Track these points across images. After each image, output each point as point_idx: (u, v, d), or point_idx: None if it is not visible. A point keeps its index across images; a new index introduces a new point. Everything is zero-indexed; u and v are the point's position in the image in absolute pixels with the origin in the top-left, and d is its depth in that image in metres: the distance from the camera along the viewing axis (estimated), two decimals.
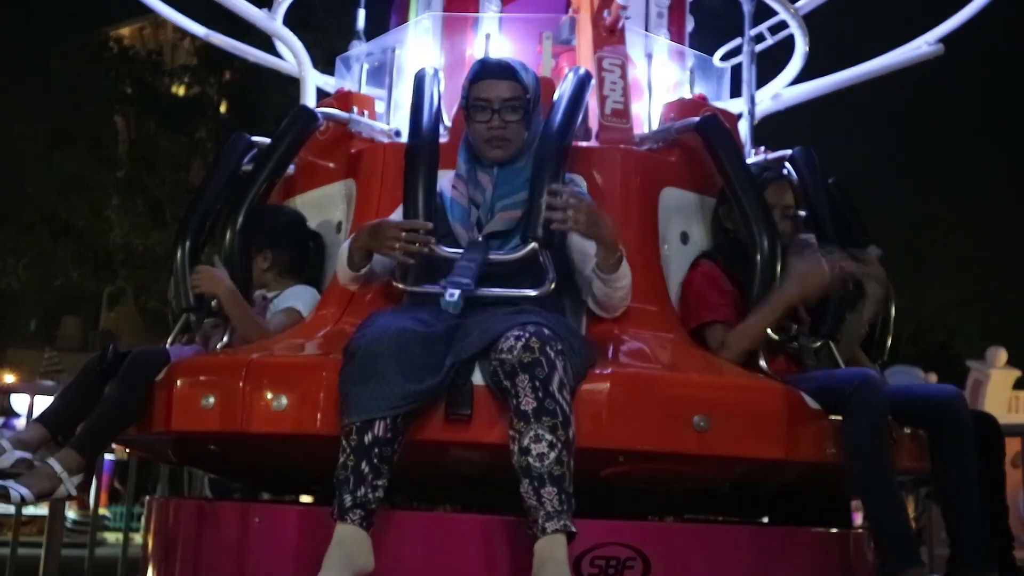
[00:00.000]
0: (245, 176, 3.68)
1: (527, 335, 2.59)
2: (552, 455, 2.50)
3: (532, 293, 2.94)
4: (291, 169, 3.83)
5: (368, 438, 2.57)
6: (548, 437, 2.50)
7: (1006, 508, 3.35)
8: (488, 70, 3.19)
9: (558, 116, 3.24)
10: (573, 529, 2.48)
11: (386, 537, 2.79)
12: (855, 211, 3.93)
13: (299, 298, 3.56)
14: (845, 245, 3.47)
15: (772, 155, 3.80)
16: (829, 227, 3.51)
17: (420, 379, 2.62)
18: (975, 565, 2.98)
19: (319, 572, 2.47)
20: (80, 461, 3.08)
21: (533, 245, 2.99)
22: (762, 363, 3.16)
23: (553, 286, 2.97)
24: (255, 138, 3.91)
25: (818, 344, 3.30)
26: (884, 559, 2.84)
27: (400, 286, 3.03)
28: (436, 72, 3.47)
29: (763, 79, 4.50)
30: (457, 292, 2.84)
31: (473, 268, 2.92)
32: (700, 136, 3.50)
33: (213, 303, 3.44)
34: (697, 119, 3.54)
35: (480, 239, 3.06)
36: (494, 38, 3.83)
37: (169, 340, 3.55)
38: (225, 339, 3.44)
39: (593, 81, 3.50)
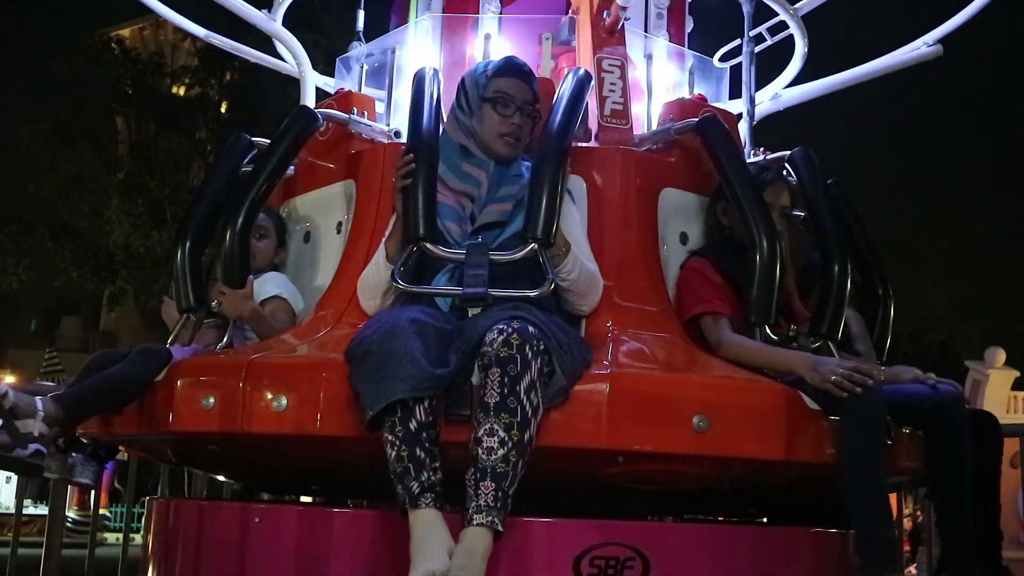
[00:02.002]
0: (245, 177, 3.68)
1: (509, 330, 2.60)
2: (500, 452, 2.51)
3: (532, 294, 2.94)
4: (291, 170, 3.83)
5: (413, 425, 2.56)
6: (501, 434, 2.52)
7: (999, 507, 3.36)
8: (516, 69, 3.24)
9: (558, 116, 3.24)
10: (500, 528, 2.48)
11: (386, 537, 2.80)
12: (854, 212, 3.94)
13: (277, 286, 3.64)
14: (844, 247, 3.48)
15: (771, 156, 3.81)
16: (828, 228, 3.51)
17: (437, 366, 2.62)
18: (963, 568, 2.99)
19: (421, 563, 2.41)
20: (57, 414, 3.05)
21: (533, 245, 2.99)
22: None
23: (553, 286, 2.98)
24: (255, 139, 3.91)
25: (816, 344, 3.30)
26: (865, 561, 2.85)
27: (400, 285, 3.03)
28: (436, 72, 3.47)
29: (763, 80, 4.50)
30: (478, 309, 2.88)
31: (484, 276, 2.93)
32: (699, 136, 3.50)
33: (214, 305, 3.48)
34: (696, 119, 3.55)
35: (480, 239, 3.06)
36: (494, 39, 3.83)
37: (169, 340, 3.56)
38: (225, 339, 3.45)
39: (592, 82, 3.50)
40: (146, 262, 18.55)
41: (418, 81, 3.41)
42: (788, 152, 3.72)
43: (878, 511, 2.86)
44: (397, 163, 3.13)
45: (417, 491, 2.52)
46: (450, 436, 2.72)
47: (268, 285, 3.63)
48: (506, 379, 2.55)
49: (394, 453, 2.56)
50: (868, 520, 2.85)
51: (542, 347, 2.63)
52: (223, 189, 3.72)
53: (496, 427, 2.52)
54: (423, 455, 2.55)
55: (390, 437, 2.57)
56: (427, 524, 2.48)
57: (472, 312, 2.93)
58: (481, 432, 2.54)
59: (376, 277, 3.15)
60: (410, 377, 2.56)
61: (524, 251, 2.99)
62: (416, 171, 3.07)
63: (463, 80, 3.27)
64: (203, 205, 3.72)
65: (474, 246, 3.02)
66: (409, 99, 3.41)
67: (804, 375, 3.00)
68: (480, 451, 2.52)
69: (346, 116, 3.74)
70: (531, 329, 2.63)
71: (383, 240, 3.17)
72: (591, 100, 3.54)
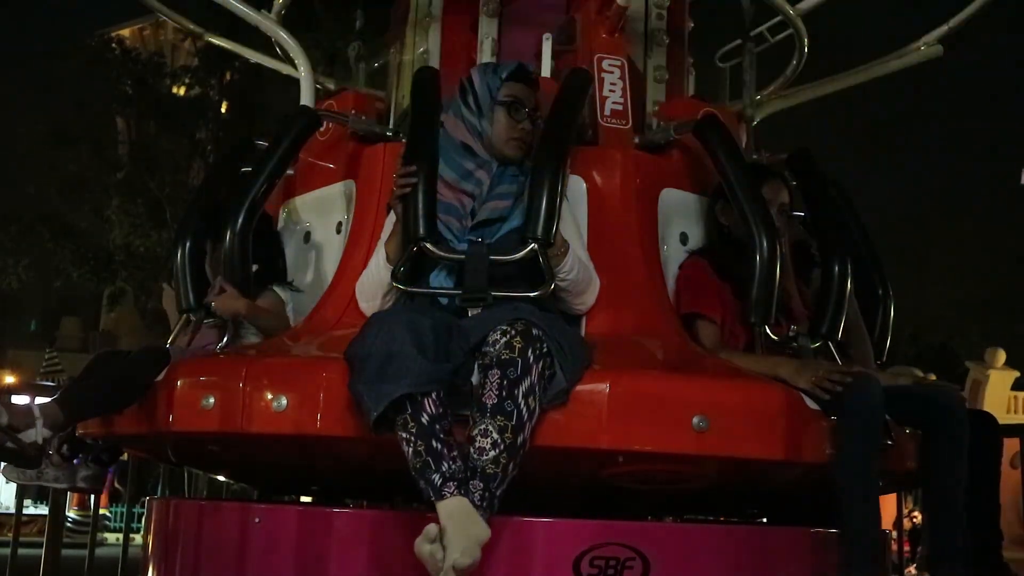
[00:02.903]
0: (245, 177, 3.68)
1: (512, 332, 2.60)
2: (492, 453, 2.51)
3: (533, 294, 2.95)
4: (291, 170, 3.83)
5: (425, 418, 2.55)
6: (495, 436, 2.52)
7: (999, 507, 3.36)
8: (527, 76, 3.26)
9: (558, 117, 3.25)
10: (488, 531, 2.49)
11: (385, 537, 2.80)
12: (854, 212, 3.94)
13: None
14: (844, 249, 3.48)
15: (771, 156, 3.81)
16: (828, 229, 3.51)
17: (438, 362, 2.62)
18: (946, 567, 3.00)
19: (450, 554, 2.38)
20: (58, 416, 3.05)
21: (533, 246, 2.99)
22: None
23: (553, 286, 2.98)
24: (256, 141, 3.91)
25: (817, 344, 3.30)
26: (847, 562, 2.85)
27: (400, 286, 3.03)
28: (436, 72, 3.47)
29: (763, 80, 4.51)
30: (478, 310, 2.89)
31: (484, 277, 2.94)
32: (699, 136, 3.50)
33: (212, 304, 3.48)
34: (696, 119, 3.55)
35: (479, 236, 3.07)
36: (494, 39, 3.83)
37: (169, 340, 3.56)
38: (225, 339, 3.46)
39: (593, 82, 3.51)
40: (146, 262, 18.55)
41: (418, 82, 3.41)
42: (788, 153, 3.73)
43: (866, 512, 2.85)
44: (397, 168, 3.13)
45: (439, 482, 2.50)
46: None
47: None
48: (505, 382, 2.56)
49: (411, 450, 2.55)
50: (855, 520, 2.85)
51: (545, 349, 2.63)
52: (223, 189, 3.72)
53: (490, 428, 2.53)
54: (440, 446, 2.54)
55: (404, 435, 2.56)
56: (453, 513, 2.47)
57: (472, 312, 2.93)
58: (475, 432, 2.54)
59: (375, 279, 3.15)
60: (412, 374, 2.56)
61: (524, 251, 3.00)
62: (416, 172, 3.07)
63: (470, 79, 3.26)
64: (203, 205, 3.72)
65: (474, 246, 3.02)
66: (409, 99, 3.41)
67: (789, 380, 3.02)
68: (472, 450, 2.53)
69: (346, 116, 3.74)
70: (534, 331, 2.63)
71: (380, 242, 3.17)
72: (591, 100, 3.54)
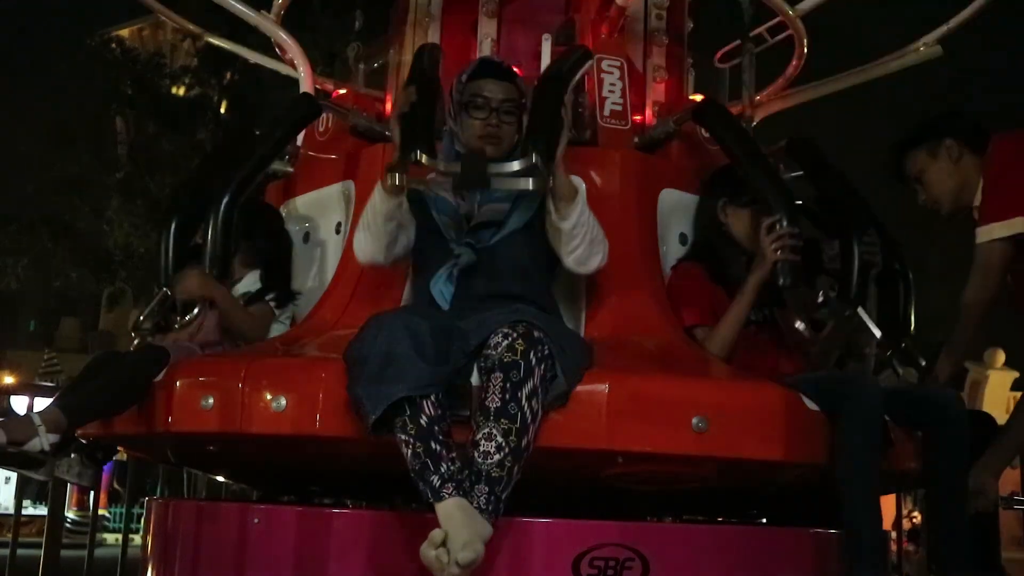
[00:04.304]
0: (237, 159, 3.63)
1: (515, 335, 2.60)
2: (496, 457, 2.51)
3: (529, 189, 2.90)
4: (290, 170, 3.83)
5: (424, 420, 2.55)
6: (499, 439, 2.52)
7: (998, 508, 3.37)
8: (489, 69, 3.22)
9: (562, 64, 3.27)
10: (490, 529, 2.49)
11: (385, 537, 2.80)
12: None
13: (254, 284, 3.63)
14: (862, 218, 3.47)
15: (771, 148, 3.80)
16: (842, 204, 3.49)
17: (436, 364, 2.62)
18: (954, 568, 3.00)
19: (451, 551, 2.37)
20: (61, 420, 3.03)
21: (534, 156, 2.90)
22: (799, 324, 3.20)
23: (551, 181, 2.94)
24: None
25: (848, 314, 3.27)
26: (852, 562, 2.84)
27: (404, 179, 2.97)
28: (435, 47, 3.48)
29: (763, 80, 4.51)
30: (478, 313, 2.85)
31: (483, 169, 2.91)
32: (699, 121, 3.49)
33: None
34: (694, 105, 3.54)
35: (477, 237, 3.07)
36: (493, 39, 3.83)
37: (143, 314, 3.52)
38: (196, 311, 3.42)
39: (591, 62, 3.50)
40: (146, 262, 18.52)
41: (419, 49, 3.42)
42: (787, 140, 3.72)
43: (868, 512, 2.86)
44: (399, 95, 3.12)
45: (438, 484, 2.50)
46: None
47: (247, 284, 3.62)
48: (508, 384, 2.55)
49: (410, 451, 2.54)
50: (857, 520, 2.85)
51: (546, 351, 2.62)
52: (217, 173, 3.68)
53: (495, 432, 2.52)
54: (439, 448, 2.54)
55: (403, 436, 2.56)
56: (453, 513, 2.47)
57: (471, 315, 2.92)
58: (479, 436, 2.54)
59: (375, 209, 3.09)
60: (411, 376, 2.56)
61: (525, 163, 2.91)
62: (416, 92, 3.08)
63: (450, 87, 3.28)
64: (193, 185, 3.69)
65: (468, 154, 3.05)
66: None
67: (767, 268, 3.12)
68: (476, 454, 2.52)
69: (346, 110, 3.73)
70: (536, 334, 2.63)
71: (375, 189, 3.12)
72: (590, 100, 3.55)
